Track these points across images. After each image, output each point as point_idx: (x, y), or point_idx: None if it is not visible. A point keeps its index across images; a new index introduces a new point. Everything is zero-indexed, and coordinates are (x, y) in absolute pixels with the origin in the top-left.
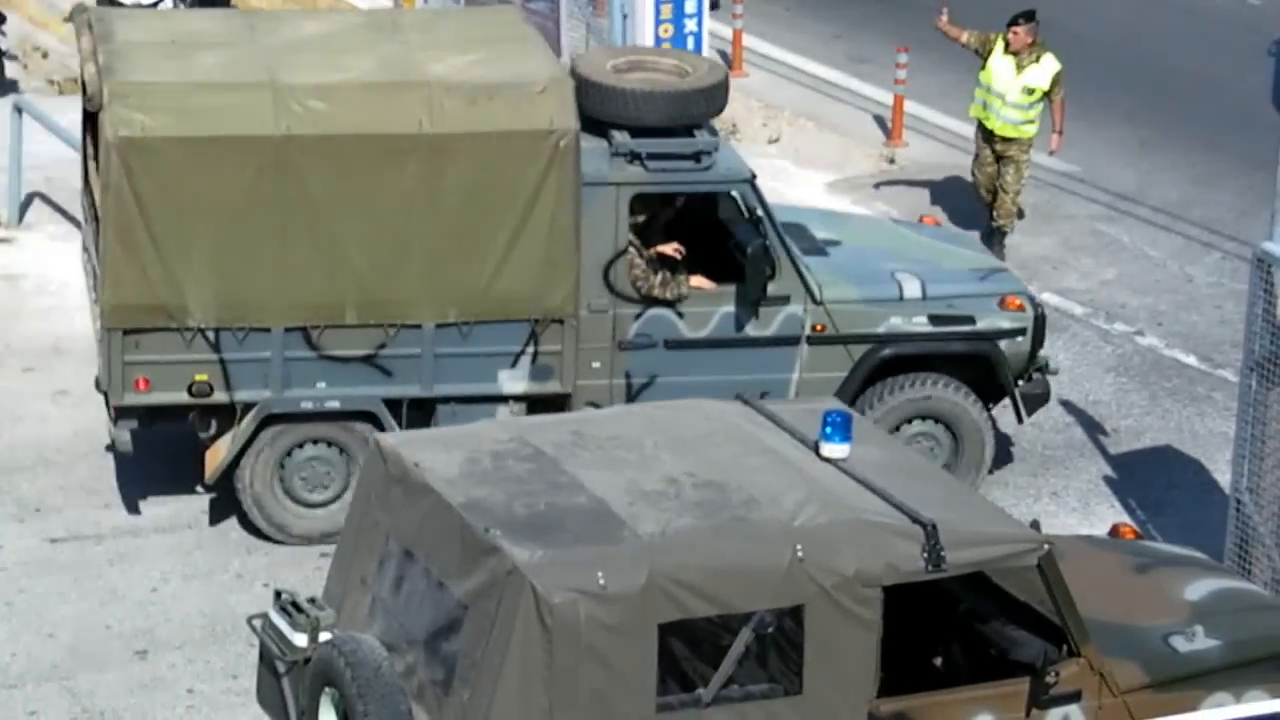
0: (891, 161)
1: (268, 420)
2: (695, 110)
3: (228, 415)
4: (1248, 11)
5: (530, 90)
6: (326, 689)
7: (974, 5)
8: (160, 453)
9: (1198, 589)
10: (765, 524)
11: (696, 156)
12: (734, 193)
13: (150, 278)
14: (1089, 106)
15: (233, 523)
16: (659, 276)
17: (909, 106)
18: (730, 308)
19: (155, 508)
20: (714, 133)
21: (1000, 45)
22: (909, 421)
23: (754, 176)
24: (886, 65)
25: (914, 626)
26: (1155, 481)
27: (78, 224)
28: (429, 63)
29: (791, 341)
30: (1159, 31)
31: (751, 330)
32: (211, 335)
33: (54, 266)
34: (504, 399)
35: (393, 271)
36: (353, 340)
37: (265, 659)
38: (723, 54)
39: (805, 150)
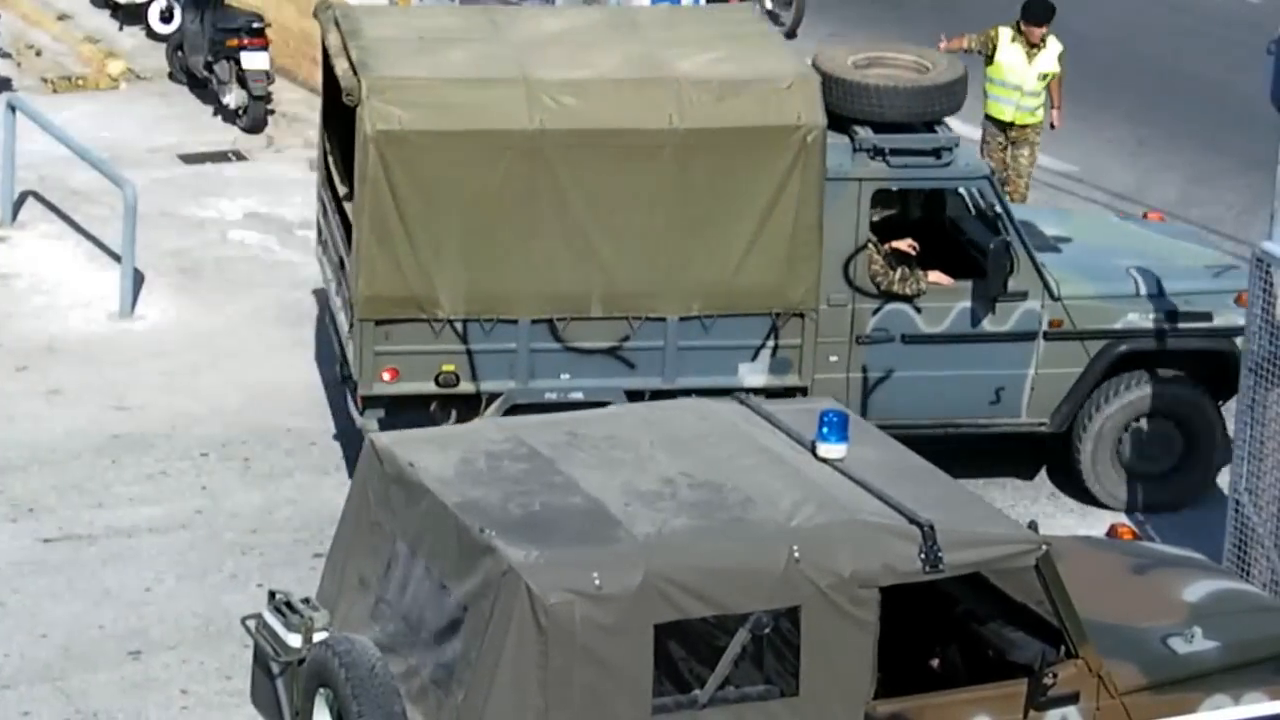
0: None
1: (512, 410)
2: (936, 106)
3: (468, 405)
4: (1247, 10)
5: (778, 86)
6: (321, 690)
7: (970, 4)
8: None
9: (1196, 590)
10: (761, 524)
11: (938, 153)
12: (972, 189)
13: (403, 269)
14: (1088, 106)
15: (226, 524)
16: (898, 272)
17: None
18: (968, 303)
19: (148, 508)
20: (949, 129)
21: (1005, 38)
22: (1138, 420)
23: (993, 173)
24: None
25: (911, 627)
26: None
27: (71, 223)
28: (675, 59)
29: (1028, 337)
30: (1158, 30)
31: (988, 326)
32: (460, 326)
33: (47, 265)
34: (743, 392)
35: (639, 264)
36: (597, 332)
37: (260, 660)
38: None
39: None
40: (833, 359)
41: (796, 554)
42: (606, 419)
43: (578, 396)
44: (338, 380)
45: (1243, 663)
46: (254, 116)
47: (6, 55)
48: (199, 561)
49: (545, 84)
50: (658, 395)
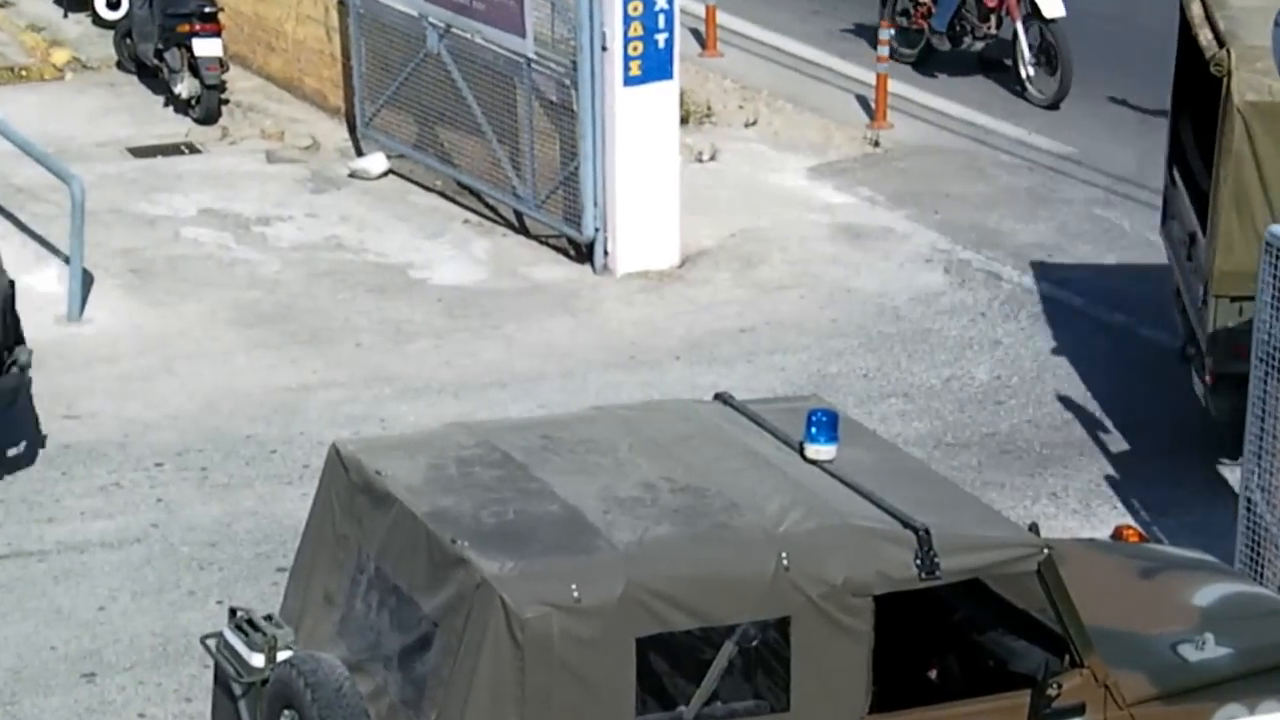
0: (876, 144)
1: None
2: None
3: None
4: None
5: None
6: (285, 711)
7: None
8: None
9: (1207, 594)
10: (748, 531)
11: None
12: None
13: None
14: (1086, 85)
15: (183, 537)
16: None
17: (893, 85)
18: None
19: (101, 521)
20: None
21: None
22: None
23: None
24: (868, 42)
25: (907, 637)
26: (1160, 480)
27: (16, 221)
28: None
29: None
30: (1158, 6)
31: None
32: None
33: None
34: None
35: None
36: None
37: (220, 680)
38: (695, 33)
39: (784, 133)
40: None
41: (785, 561)
42: (583, 421)
43: None
44: (1178, 358)
45: (1258, 670)
46: (207, 107)
47: None
48: (155, 578)
49: None
50: None
